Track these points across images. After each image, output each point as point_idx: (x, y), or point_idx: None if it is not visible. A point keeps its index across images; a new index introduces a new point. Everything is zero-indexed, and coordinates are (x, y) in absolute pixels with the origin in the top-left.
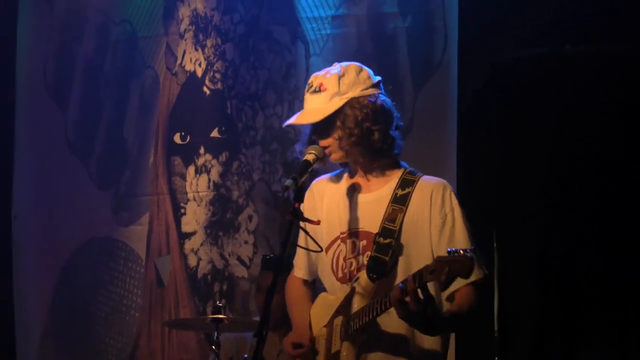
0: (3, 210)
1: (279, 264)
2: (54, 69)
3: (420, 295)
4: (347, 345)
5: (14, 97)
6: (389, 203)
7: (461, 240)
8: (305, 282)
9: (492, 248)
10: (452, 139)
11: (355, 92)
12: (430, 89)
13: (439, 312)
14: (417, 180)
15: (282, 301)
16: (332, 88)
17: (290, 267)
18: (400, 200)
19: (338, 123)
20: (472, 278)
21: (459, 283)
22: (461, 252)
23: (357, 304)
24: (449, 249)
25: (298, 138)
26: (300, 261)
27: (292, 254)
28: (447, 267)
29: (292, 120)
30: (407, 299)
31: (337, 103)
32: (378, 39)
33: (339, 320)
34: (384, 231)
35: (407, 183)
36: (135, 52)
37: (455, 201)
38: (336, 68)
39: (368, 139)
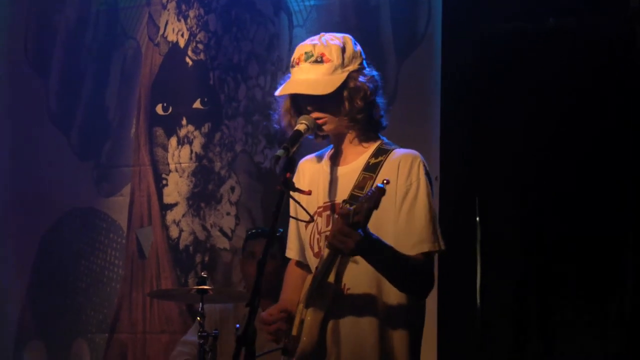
0: None
1: (271, 234)
2: (35, 39)
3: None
4: (310, 311)
5: None
6: (360, 171)
7: (421, 212)
8: (299, 263)
9: (474, 219)
10: (436, 111)
11: (354, 66)
12: (414, 61)
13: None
14: (390, 151)
15: (272, 271)
16: (335, 59)
17: (281, 237)
18: (371, 169)
19: (345, 95)
20: (423, 249)
21: (407, 252)
22: (378, 186)
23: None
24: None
25: (271, 112)
26: (290, 241)
27: (281, 225)
28: (365, 204)
29: (291, 89)
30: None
31: (341, 76)
32: (361, 11)
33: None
34: (351, 198)
35: (380, 152)
36: (117, 22)
37: (422, 172)
38: (334, 39)
39: (370, 112)
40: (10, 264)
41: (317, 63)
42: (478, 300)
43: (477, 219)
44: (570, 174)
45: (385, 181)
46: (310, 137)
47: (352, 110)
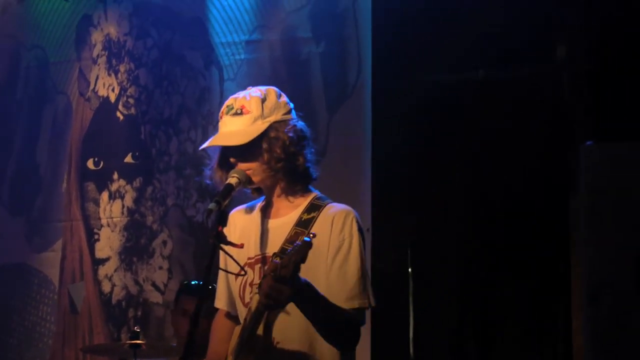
0: None
1: (203, 288)
2: None
3: (281, 288)
4: None
5: None
6: (292, 226)
7: (352, 268)
8: (228, 314)
9: (407, 269)
10: (367, 163)
11: (277, 116)
12: (345, 113)
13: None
14: (324, 206)
15: (207, 328)
16: (255, 111)
17: (214, 293)
18: (303, 224)
19: (264, 146)
20: (354, 305)
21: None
22: (304, 240)
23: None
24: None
25: (203, 167)
26: (220, 292)
27: (214, 279)
28: (292, 257)
29: (211, 142)
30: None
31: (261, 126)
32: (292, 64)
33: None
34: (282, 251)
35: (313, 208)
36: (47, 77)
37: (355, 228)
38: (256, 92)
39: (293, 163)
40: None
41: (237, 115)
42: (411, 352)
43: (409, 269)
44: (501, 223)
45: (312, 235)
46: (247, 190)
47: (271, 160)
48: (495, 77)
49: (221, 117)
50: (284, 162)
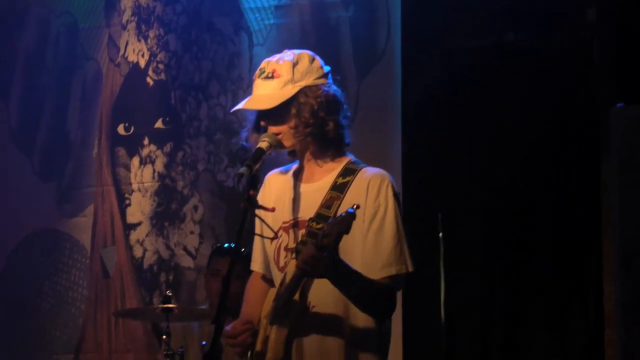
0: None
1: (235, 251)
2: None
3: (321, 257)
4: (275, 328)
5: None
6: (327, 190)
7: (389, 234)
8: (263, 276)
9: (437, 235)
10: (397, 128)
11: (308, 81)
12: (374, 78)
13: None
14: (359, 170)
15: (238, 291)
16: (285, 75)
17: (246, 256)
18: (338, 188)
19: (293, 111)
20: (391, 272)
21: (375, 275)
22: (348, 211)
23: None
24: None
25: (242, 127)
26: (255, 254)
27: (245, 242)
28: (335, 227)
29: (242, 105)
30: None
31: (291, 90)
32: (321, 28)
33: (269, 306)
34: (318, 216)
35: (348, 172)
36: (77, 43)
37: (391, 193)
38: (289, 55)
39: (322, 129)
40: None
41: (268, 79)
42: (443, 318)
43: (440, 235)
44: (532, 187)
45: (355, 206)
46: (285, 152)
47: (299, 125)
48: (525, 42)
49: (254, 80)
50: (313, 127)
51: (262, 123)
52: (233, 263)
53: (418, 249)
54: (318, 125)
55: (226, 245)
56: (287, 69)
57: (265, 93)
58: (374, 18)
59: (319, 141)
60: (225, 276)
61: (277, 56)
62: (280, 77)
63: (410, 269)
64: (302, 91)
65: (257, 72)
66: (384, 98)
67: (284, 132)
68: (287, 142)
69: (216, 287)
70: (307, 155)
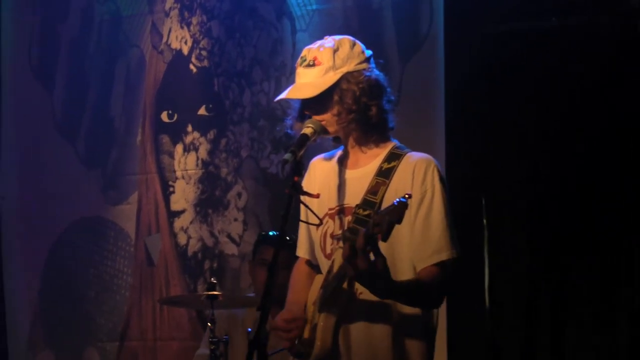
0: None
1: (280, 238)
2: (39, 50)
3: (370, 253)
4: (323, 316)
5: None
6: (373, 176)
7: (437, 220)
8: (308, 262)
9: (481, 221)
10: (440, 112)
11: (350, 67)
12: (417, 62)
13: (389, 275)
14: (404, 155)
15: (284, 281)
16: (326, 62)
17: (292, 245)
18: (384, 174)
19: (335, 98)
20: (441, 258)
21: (424, 262)
22: (400, 200)
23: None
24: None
25: (286, 114)
26: (301, 241)
27: (290, 229)
28: (387, 216)
29: (285, 94)
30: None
31: (332, 77)
32: (364, 13)
33: (317, 293)
34: (364, 203)
35: (393, 157)
36: (120, 31)
37: (437, 178)
38: (330, 42)
39: (365, 114)
40: (19, 275)
41: (310, 67)
42: (487, 302)
43: (484, 220)
44: (577, 171)
45: (407, 195)
46: (330, 138)
47: (342, 112)
48: (569, 25)
49: (296, 68)
50: (356, 114)
51: (306, 112)
52: (278, 250)
53: (462, 234)
54: (361, 111)
55: (272, 233)
56: (327, 56)
57: (307, 81)
58: (416, 2)
59: (362, 127)
60: (270, 263)
61: (317, 43)
62: (321, 64)
63: (459, 254)
64: (344, 77)
65: (299, 60)
66: (427, 82)
67: (327, 119)
68: (331, 129)
69: (262, 276)
70: (351, 141)
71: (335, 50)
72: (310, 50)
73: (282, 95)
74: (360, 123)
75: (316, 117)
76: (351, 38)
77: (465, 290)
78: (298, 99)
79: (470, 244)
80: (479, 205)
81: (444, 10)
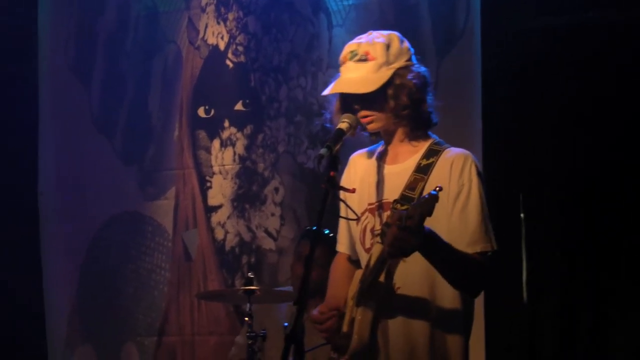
0: (29, 187)
1: (316, 233)
2: (76, 46)
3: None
4: (361, 310)
5: (36, 75)
6: (412, 172)
7: (473, 213)
8: (348, 258)
9: (518, 216)
10: (477, 107)
11: (400, 63)
12: (454, 57)
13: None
14: (442, 151)
15: (321, 272)
16: (379, 57)
17: (329, 238)
18: (422, 170)
19: (389, 93)
20: (476, 249)
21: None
22: (430, 193)
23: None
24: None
25: (323, 109)
26: (341, 236)
27: (327, 224)
28: (418, 209)
29: (337, 88)
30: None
31: (386, 73)
32: (400, 8)
33: (356, 287)
34: (403, 198)
35: (432, 153)
36: (157, 27)
37: (474, 172)
38: (380, 37)
39: (418, 110)
40: (58, 270)
41: (362, 61)
42: (525, 298)
43: (522, 215)
44: (616, 166)
45: (438, 188)
46: (366, 134)
47: (397, 108)
48: (607, 20)
49: (343, 63)
50: (410, 110)
51: (356, 107)
52: (314, 244)
53: (499, 229)
54: (414, 107)
55: (315, 228)
56: (381, 52)
57: (358, 76)
58: None
59: (412, 123)
60: (306, 258)
61: (364, 38)
62: (374, 59)
63: (495, 247)
64: (397, 73)
65: (347, 54)
66: (463, 77)
67: (377, 115)
68: (379, 124)
69: (300, 270)
70: (398, 136)
71: (387, 46)
72: (361, 45)
73: (333, 90)
74: (410, 119)
75: (366, 113)
76: (398, 34)
77: (502, 285)
78: (335, 94)
79: (507, 239)
80: (516, 200)
81: (480, 4)
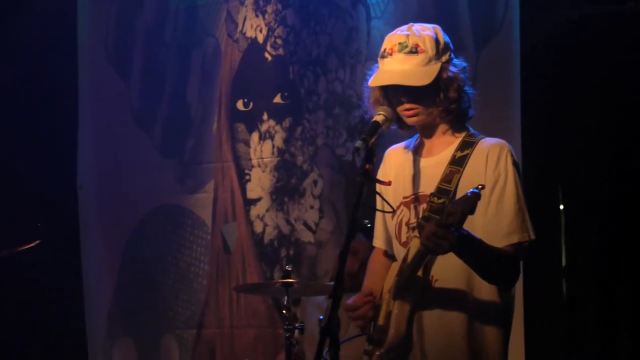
0: (69, 181)
1: (351, 225)
2: (115, 39)
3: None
4: (398, 304)
5: (76, 68)
6: (447, 165)
7: (510, 203)
8: (385, 252)
9: (557, 207)
10: (516, 98)
11: (446, 57)
12: (492, 50)
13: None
14: (477, 142)
15: (355, 272)
16: (430, 50)
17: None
18: (458, 162)
19: (439, 86)
20: (512, 240)
21: (497, 244)
22: (472, 191)
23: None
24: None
25: (360, 102)
26: (377, 230)
27: (364, 216)
28: (459, 207)
29: (388, 80)
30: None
31: (436, 67)
32: (438, 0)
33: (393, 281)
34: (439, 191)
35: (466, 145)
36: (196, 20)
37: (510, 162)
38: (426, 30)
39: (463, 103)
40: (98, 263)
41: (412, 54)
42: (564, 290)
43: (561, 206)
44: None
45: (480, 186)
46: (394, 127)
47: (446, 101)
48: None
49: (391, 54)
50: (457, 103)
51: (403, 99)
52: (349, 237)
53: (538, 220)
54: (461, 101)
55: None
56: (430, 44)
57: (409, 68)
58: None
59: (455, 116)
60: (341, 251)
61: (412, 29)
62: (424, 52)
63: (533, 237)
64: (443, 67)
65: (395, 45)
66: (502, 69)
67: (423, 107)
68: (420, 118)
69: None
70: (439, 130)
71: (436, 40)
72: (409, 37)
73: (384, 81)
74: (454, 112)
75: (410, 105)
76: (439, 27)
77: (542, 278)
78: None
79: (546, 231)
80: (556, 192)
81: None
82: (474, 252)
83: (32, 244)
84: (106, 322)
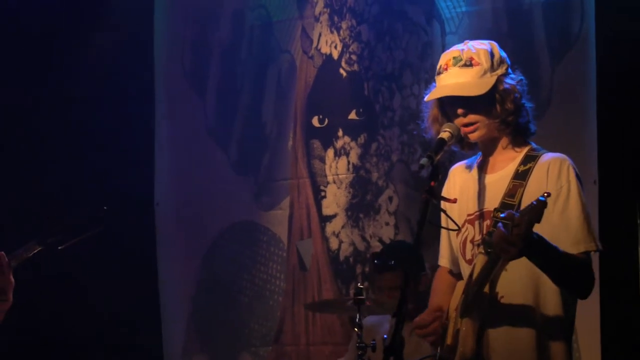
0: (146, 198)
1: (417, 242)
2: (192, 57)
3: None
4: (466, 321)
5: (152, 86)
6: (510, 179)
7: (574, 213)
8: (450, 271)
9: (635, 222)
10: (592, 113)
11: (502, 70)
12: (568, 64)
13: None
14: (539, 156)
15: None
16: (484, 63)
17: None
18: (520, 176)
19: (497, 98)
20: (579, 249)
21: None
22: (539, 199)
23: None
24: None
25: (419, 122)
26: (442, 249)
27: (428, 234)
28: (526, 216)
29: (443, 92)
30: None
31: (491, 79)
32: (513, 15)
33: (459, 299)
34: (503, 206)
35: (529, 159)
36: (271, 36)
37: (572, 174)
38: (480, 44)
39: (521, 117)
40: (175, 280)
41: (467, 67)
42: None
43: (639, 221)
44: None
45: (546, 194)
46: (455, 148)
47: (504, 113)
48: None
49: (446, 69)
50: (514, 116)
51: (460, 111)
52: (411, 258)
53: (615, 236)
54: (518, 114)
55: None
56: (485, 57)
57: (465, 80)
58: (567, 2)
59: (515, 129)
60: (405, 270)
61: (466, 45)
62: (479, 64)
63: (599, 247)
64: (499, 80)
65: (449, 60)
66: (578, 83)
67: (481, 121)
68: (480, 132)
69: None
70: (501, 143)
71: (490, 53)
72: (464, 51)
73: (439, 94)
74: (514, 125)
75: (471, 117)
76: (495, 42)
77: (619, 291)
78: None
79: (624, 247)
80: (633, 207)
81: (595, 9)
82: (546, 256)
83: (96, 230)
84: (182, 340)
